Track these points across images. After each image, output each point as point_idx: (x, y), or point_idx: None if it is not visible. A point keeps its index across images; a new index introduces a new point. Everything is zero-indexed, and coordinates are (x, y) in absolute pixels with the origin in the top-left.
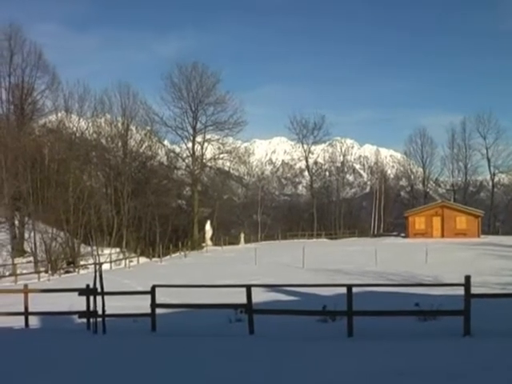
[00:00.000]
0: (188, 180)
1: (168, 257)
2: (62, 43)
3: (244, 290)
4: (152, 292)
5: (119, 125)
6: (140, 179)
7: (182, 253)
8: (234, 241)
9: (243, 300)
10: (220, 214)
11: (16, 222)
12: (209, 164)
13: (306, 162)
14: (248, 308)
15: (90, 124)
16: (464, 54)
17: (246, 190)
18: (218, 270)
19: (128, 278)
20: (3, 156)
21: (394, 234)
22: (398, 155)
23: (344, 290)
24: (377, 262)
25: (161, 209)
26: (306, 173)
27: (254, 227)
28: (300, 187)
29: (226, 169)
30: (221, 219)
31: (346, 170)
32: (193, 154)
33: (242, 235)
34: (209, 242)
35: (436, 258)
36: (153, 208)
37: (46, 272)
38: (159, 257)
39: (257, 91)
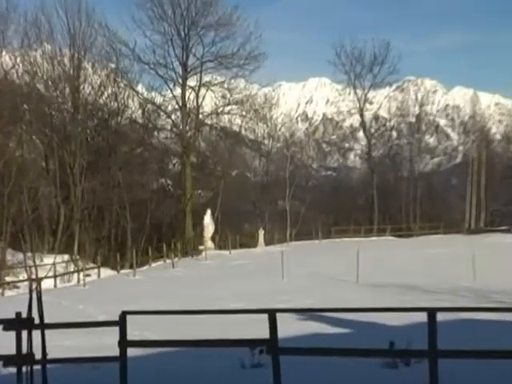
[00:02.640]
0: (176, 147)
1: (146, 267)
2: None
3: (265, 317)
4: (121, 323)
5: (65, 61)
6: (100, 147)
7: (168, 260)
8: (249, 241)
9: (264, 333)
10: (226, 200)
11: None
12: (208, 122)
13: (361, 116)
14: (272, 346)
15: (19, 60)
16: None
17: (267, 161)
18: (224, 287)
19: (83, 301)
20: None
21: (503, 228)
22: (509, 103)
23: (423, 316)
24: (475, 274)
25: (134, 193)
26: (361, 133)
27: (280, 220)
28: (351, 156)
29: (236, 129)
30: (228, 208)
31: (424, 128)
32: (183, 107)
33: (262, 232)
34: (209, 244)
35: None
36: (121, 192)
37: None
38: (132, 267)
39: (280, 3)
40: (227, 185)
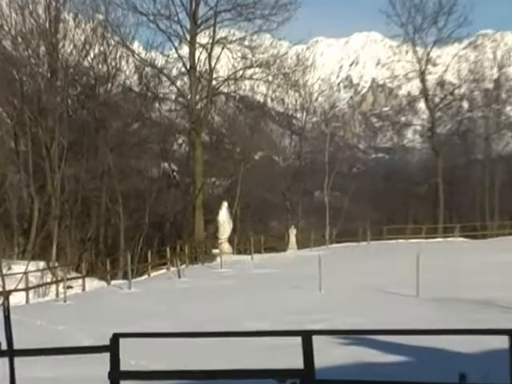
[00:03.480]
0: (183, 123)
1: (144, 277)
2: None
3: (297, 341)
4: (113, 348)
5: (40, 11)
6: (85, 122)
7: (173, 268)
8: (277, 244)
9: (295, 362)
10: (248, 191)
11: None
12: (224, 90)
13: (422, 82)
14: (307, 378)
15: None
16: None
17: (300, 141)
18: (244, 303)
19: (64, 320)
20: None
21: None
22: None
23: (502, 341)
24: None
25: (129, 182)
26: (422, 104)
27: (318, 216)
28: (409, 134)
29: (260, 99)
30: (250, 201)
31: (504, 96)
32: (192, 70)
33: (293, 232)
34: (225, 247)
35: None
36: (112, 180)
37: None
38: (126, 277)
39: None
40: (249, 171)
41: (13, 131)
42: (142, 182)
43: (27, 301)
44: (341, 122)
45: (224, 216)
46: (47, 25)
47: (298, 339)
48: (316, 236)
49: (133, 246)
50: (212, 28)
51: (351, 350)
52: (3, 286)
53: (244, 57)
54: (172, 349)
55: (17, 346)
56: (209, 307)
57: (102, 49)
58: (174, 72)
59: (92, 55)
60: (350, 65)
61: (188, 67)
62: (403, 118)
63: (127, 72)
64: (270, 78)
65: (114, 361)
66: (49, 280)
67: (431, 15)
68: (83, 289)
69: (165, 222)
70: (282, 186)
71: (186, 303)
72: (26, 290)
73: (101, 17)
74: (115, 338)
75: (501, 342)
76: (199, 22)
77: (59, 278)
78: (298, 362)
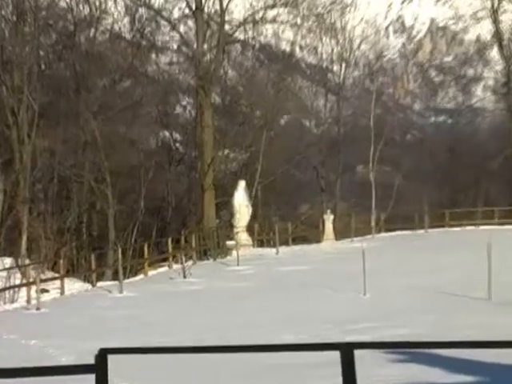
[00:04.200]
0: (188, 79)
1: (140, 277)
2: None
3: (333, 357)
4: (99, 367)
5: None
6: (62, 79)
7: (176, 266)
8: (309, 233)
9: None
10: (271, 166)
11: None
12: (240, 37)
13: (495, 23)
14: None
15: None
16: None
17: (338, 101)
18: (266, 309)
19: (37, 332)
20: None
21: None
22: None
23: None
24: None
25: (119, 155)
26: (495, 53)
27: (361, 197)
28: (478, 91)
29: (286, 48)
30: (273, 179)
31: None
32: (198, 11)
33: (330, 218)
34: (243, 238)
35: None
36: (98, 154)
37: None
38: (116, 278)
39: None
40: (272, 141)
41: None
42: (136, 155)
43: None
44: (390, 77)
45: (241, 198)
46: None
47: (336, 355)
48: (359, 223)
49: (125, 237)
50: None
51: (405, 368)
52: None
53: None
54: (174, 368)
55: None
56: (222, 316)
57: None
58: (176, 14)
59: None
60: (402, 2)
61: (193, 7)
62: (471, 71)
63: (115, 14)
64: (299, 21)
65: (101, 383)
66: (18, 282)
67: None
68: (62, 293)
69: (165, 206)
70: (315, 160)
71: (192, 310)
72: None
73: None
74: (102, 354)
75: None
76: None
77: (31, 280)
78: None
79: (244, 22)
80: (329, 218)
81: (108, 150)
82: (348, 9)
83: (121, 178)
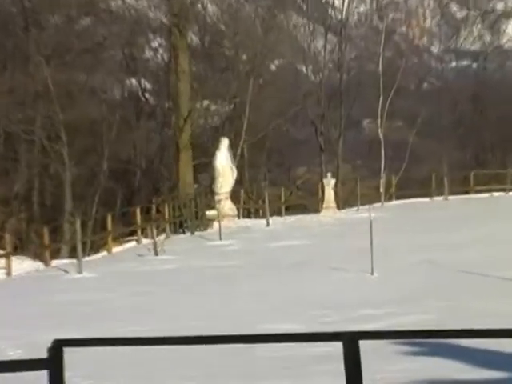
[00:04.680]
0: (159, 16)
1: (102, 254)
2: None
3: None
4: (53, 362)
5: None
6: (7, 16)
7: (146, 241)
8: (307, 201)
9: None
10: (259, 121)
11: None
12: None
13: None
14: None
15: None
16: None
17: (341, 42)
18: (256, 293)
19: None
20: None
21: None
22: None
23: None
24: None
25: (76, 108)
26: None
27: (367, 158)
28: (509, 28)
29: None
30: (262, 136)
31: None
32: None
33: (331, 183)
34: (227, 206)
35: None
36: (51, 106)
37: None
38: (74, 256)
39: None
40: (261, 90)
41: None
42: (98, 108)
43: None
44: (403, 12)
45: (224, 159)
46: None
47: (338, 347)
48: (365, 189)
49: (84, 207)
50: None
51: (418, 362)
52: None
53: None
54: (145, 363)
55: None
56: (202, 300)
57: None
58: None
59: None
60: None
61: None
62: (500, 5)
63: None
64: None
65: (56, 382)
66: None
67: None
68: (8, 273)
69: (133, 170)
70: (313, 113)
71: (166, 294)
72: None
73: None
74: (57, 346)
75: None
76: None
77: None
78: (337, 381)
79: None
80: (329, 183)
81: (64, 102)
82: None
83: (79, 135)
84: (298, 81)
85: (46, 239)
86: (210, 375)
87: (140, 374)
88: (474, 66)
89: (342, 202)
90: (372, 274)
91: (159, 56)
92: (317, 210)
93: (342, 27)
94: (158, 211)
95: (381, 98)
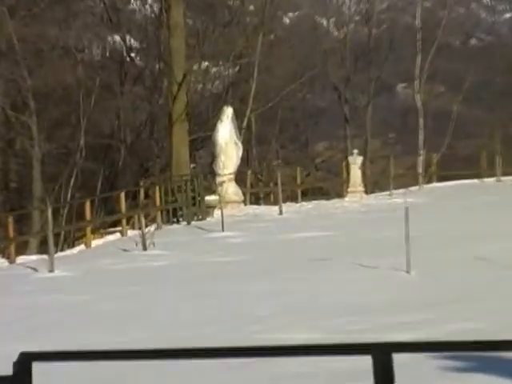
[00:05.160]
0: None
1: (80, 248)
2: None
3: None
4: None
5: None
6: None
7: (133, 232)
8: (328, 184)
9: None
10: (270, 86)
11: None
12: None
13: None
14: None
15: None
16: None
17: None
18: (265, 294)
19: None
20: None
21: None
22: None
23: None
24: None
25: (47, 70)
26: None
27: (401, 131)
28: None
29: None
30: (274, 105)
31: None
32: None
33: (358, 161)
34: (231, 190)
35: None
36: (14, 66)
37: None
38: (45, 251)
39: None
40: (273, 48)
41: None
42: (73, 70)
43: None
44: None
45: (227, 133)
46: None
47: (367, 362)
48: (400, 168)
49: (57, 191)
50: None
51: (469, 381)
52: None
53: None
54: (130, 380)
55: None
56: (200, 304)
57: None
58: None
59: None
60: None
61: None
62: None
63: None
64: None
65: None
66: None
67: None
68: None
69: (116, 145)
70: (336, 76)
71: (156, 297)
72: None
73: None
74: (25, 361)
75: None
76: None
77: None
78: None
79: None
80: (356, 162)
81: (32, 63)
82: None
83: (51, 103)
84: (318, 37)
85: (11, 231)
86: None
87: None
88: None
89: (371, 185)
90: (408, 271)
91: (147, 8)
92: (340, 195)
93: None
94: (146, 196)
95: (418, 58)
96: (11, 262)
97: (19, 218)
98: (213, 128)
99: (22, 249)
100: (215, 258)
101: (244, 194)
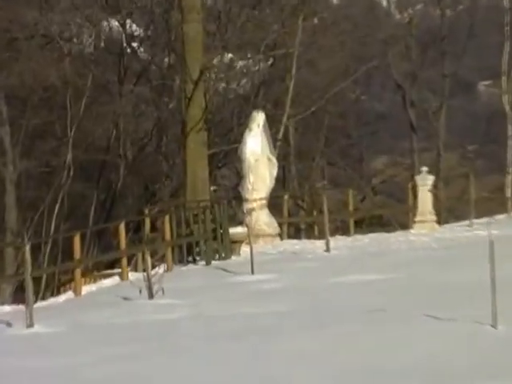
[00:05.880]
0: None
1: (67, 296)
2: None
3: None
4: None
5: None
6: None
7: (135, 273)
8: (388, 211)
9: None
10: (312, 83)
11: None
12: None
13: None
14: None
15: None
16: None
17: None
18: (307, 357)
19: None
20: None
21: None
22: None
23: None
24: None
25: (25, 62)
26: None
27: (483, 143)
28: None
29: None
30: (317, 108)
31: None
32: None
33: (428, 181)
34: (263, 221)
35: None
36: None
37: None
38: (22, 301)
39: None
40: (316, 35)
41: None
42: (58, 65)
43: None
44: None
45: (257, 146)
46: None
47: None
48: (482, 190)
49: (37, 221)
50: None
51: None
52: None
53: None
54: None
55: None
56: (219, 370)
57: None
58: None
59: None
60: None
61: None
62: None
63: None
64: None
65: None
66: None
67: None
68: None
69: (114, 162)
70: (399, 71)
71: (164, 359)
72: None
73: None
74: None
75: None
76: None
77: None
78: None
79: None
80: (425, 183)
81: (4, 56)
82: None
83: (29, 109)
84: (376, 20)
85: None
86: None
87: None
88: None
89: (446, 213)
90: (494, 326)
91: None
92: (405, 226)
93: None
94: (153, 228)
95: (506, 48)
96: None
97: None
98: (239, 140)
99: None
100: (242, 309)
101: (280, 225)
